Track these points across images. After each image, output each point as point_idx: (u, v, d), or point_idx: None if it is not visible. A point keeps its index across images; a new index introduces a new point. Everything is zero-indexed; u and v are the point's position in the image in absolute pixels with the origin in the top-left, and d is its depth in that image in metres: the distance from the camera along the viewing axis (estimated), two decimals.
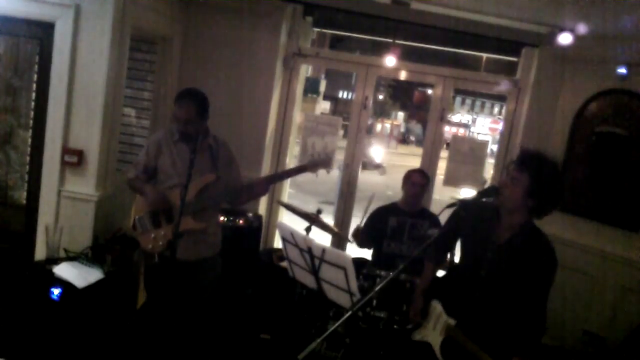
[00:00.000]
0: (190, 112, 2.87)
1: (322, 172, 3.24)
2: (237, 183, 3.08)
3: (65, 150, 3.48)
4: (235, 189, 3.04)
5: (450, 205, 2.46)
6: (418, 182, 3.84)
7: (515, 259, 2.29)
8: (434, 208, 4.35)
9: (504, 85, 4.64)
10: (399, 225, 3.83)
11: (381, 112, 31.84)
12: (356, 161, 4.95)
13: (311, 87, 24.00)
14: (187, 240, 2.82)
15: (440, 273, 2.93)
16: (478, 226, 2.43)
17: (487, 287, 2.35)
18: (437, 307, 2.52)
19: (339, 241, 4.72)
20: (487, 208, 2.42)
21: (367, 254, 4.06)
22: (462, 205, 2.43)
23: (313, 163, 3.19)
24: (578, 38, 3.94)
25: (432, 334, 2.48)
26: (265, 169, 4.83)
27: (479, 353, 2.19)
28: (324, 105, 28.98)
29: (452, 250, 2.82)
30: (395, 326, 3.21)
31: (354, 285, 2.32)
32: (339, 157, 5.01)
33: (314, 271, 2.49)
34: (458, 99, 36.02)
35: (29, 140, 3.64)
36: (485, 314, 2.35)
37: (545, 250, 2.29)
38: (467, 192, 5.99)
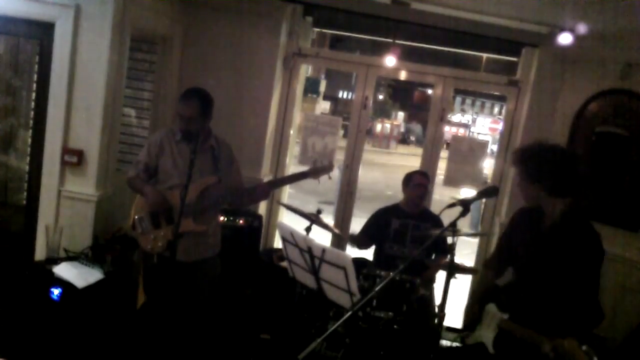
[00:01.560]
0: (194, 110, 2.87)
1: (328, 179, 3.25)
2: (238, 184, 3.08)
3: (65, 150, 3.48)
4: (236, 190, 3.03)
5: (450, 205, 2.47)
6: (420, 183, 3.84)
7: (559, 246, 2.31)
8: (434, 208, 4.35)
9: None
10: (402, 228, 3.83)
11: (381, 112, 31.81)
12: (356, 161, 4.94)
13: (311, 87, 24.00)
14: (186, 242, 2.82)
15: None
16: (527, 226, 2.50)
17: (538, 279, 2.39)
18: (491, 308, 2.54)
19: (339, 241, 4.72)
20: (534, 208, 2.48)
21: (367, 254, 4.06)
22: (517, 211, 2.56)
23: (315, 170, 3.19)
24: (578, 38, 3.94)
25: (486, 333, 2.49)
26: (265, 169, 4.83)
27: (531, 336, 2.21)
28: (324, 105, 28.97)
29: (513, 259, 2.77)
30: (395, 326, 3.21)
31: (354, 285, 2.31)
32: (339, 157, 5.01)
33: (314, 271, 2.49)
34: (458, 99, 35.99)
35: (29, 140, 3.64)
36: (538, 306, 2.37)
37: (587, 237, 2.30)
38: (467, 192, 5.99)
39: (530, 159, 2.36)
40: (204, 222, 2.96)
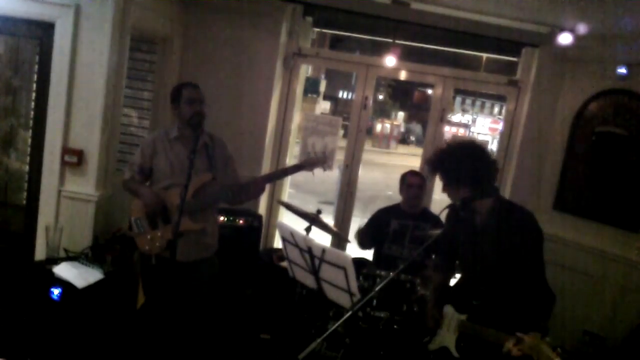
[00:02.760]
0: (200, 93, 2.92)
1: (322, 172, 3.24)
2: (235, 181, 3.07)
3: (65, 150, 3.48)
4: (232, 187, 3.03)
5: (450, 206, 2.47)
6: (414, 183, 3.83)
7: (496, 237, 2.30)
8: (434, 208, 4.35)
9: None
10: (401, 229, 3.82)
11: (381, 112, 31.80)
12: (356, 161, 4.94)
13: (311, 87, 23.98)
14: (184, 241, 2.82)
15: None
16: (462, 225, 2.48)
17: (485, 276, 2.37)
18: (449, 310, 2.52)
19: (339, 241, 4.72)
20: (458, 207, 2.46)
21: (367, 254, 4.06)
22: (451, 208, 2.50)
23: (310, 162, 3.18)
24: (578, 38, 3.94)
25: (447, 336, 2.47)
26: (266, 169, 4.83)
27: (494, 334, 2.19)
28: (324, 105, 28.94)
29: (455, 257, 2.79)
30: (395, 326, 3.21)
31: (354, 285, 2.32)
32: (339, 157, 5.01)
33: (314, 271, 2.49)
34: (458, 99, 35.98)
35: (29, 140, 3.64)
36: (492, 302, 2.35)
37: (521, 220, 2.30)
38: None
39: (446, 163, 2.34)
40: (202, 220, 2.96)
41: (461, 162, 2.31)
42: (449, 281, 2.78)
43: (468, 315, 2.40)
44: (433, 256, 3.98)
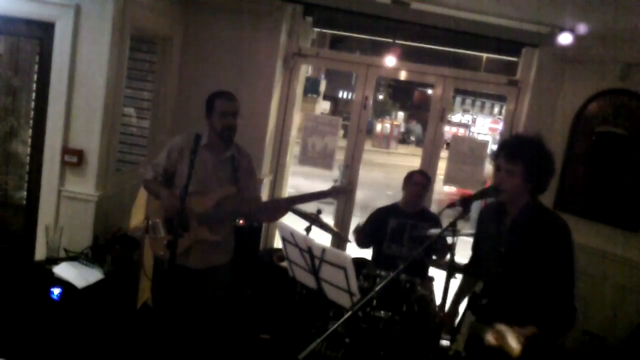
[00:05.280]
0: (238, 105, 2.92)
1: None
2: (255, 196, 3.06)
3: (65, 150, 3.48)
4: (254, 204, 2.99)
5: (450, 206, 2.46)
6: (419, 182, 3.84)
7: (524, 239, 2.22)
8: (434, 208, 4.35)
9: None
10: (399, 227, 3.83)
11: (381, 112, 31.81)
12: (356, 161, 4.94)
13: (311, 87, 23.99)
14: (199, 249, 2.80)
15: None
16: (489, 226, 2.45)
17: (505, 279, 2.30)
18: (469, 316, 2.50)
19: (339, 241, 4.72)
20: (495, 206, 2.43)
21: (367, 254, 4.06)
22: (482, 210, 2.48)
23: (335, 189, 3.12)
24: (578, 38, 3.94)
25: (460, 339, 2.47)
26: (266, 169, 4.83)
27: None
28: (324, 105, 28.97)
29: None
30: (395, 326, 3.21)
31: (354, 285, 2.31)
32: (339, 157, 5.01)
33: (314, 271, 2.49)
34: (458, 99, 35.99)
35: (29, 140, 3.64)
36: (509, 308, 2.27)
37: (555, 226, 2.20)
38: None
39: (535, 153, 2.22)
40: (219, 232, 2.92)
41: (545, 159, 2.23)
42: (475, 285, 2.70)
43: (477, 316, 2.39)
44: (433, 256, 3.98)
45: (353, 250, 4.11)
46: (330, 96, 32.23)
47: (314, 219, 3.44)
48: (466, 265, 2.76)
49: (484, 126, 33.54)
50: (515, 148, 2.25)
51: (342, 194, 3.17)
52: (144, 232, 3.00)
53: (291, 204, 3.08)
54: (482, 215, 2.58)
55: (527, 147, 2.25)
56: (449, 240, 2.88)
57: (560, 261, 2.14)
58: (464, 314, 2.56)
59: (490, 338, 2.00)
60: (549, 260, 2.14)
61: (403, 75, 4.99)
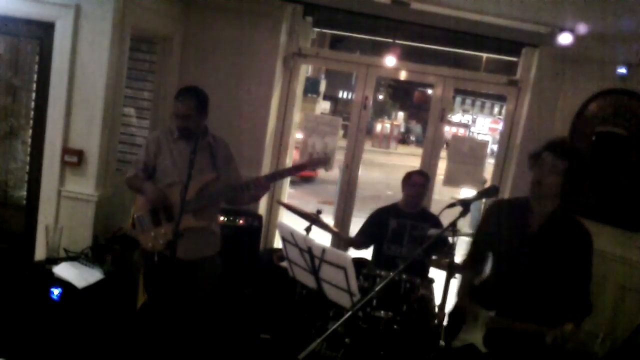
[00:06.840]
0: (189, 107, 2.89)
1: (322, 172, 3.26)
2: (237, 181, 3.09)
3: (65, 150, 3.48)
4: (234, 186, 3.04)
5: (450, 206, 2.46)
6: (418, 182, 3.84)
7: (551, 245, 2.36)
8: (434, 208, 4.35)
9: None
10: (399, 228, 3.83)
11: (381, 112, 31.83)
12: (356, 161, 4.94)
13: (311, 87, 23.96)
14: (187, 240, 2.82)
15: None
16: (510, 223, 2.48)
17: (529, 278, 2.39)
18: (474, 307, 2.51)
19: (339, 241, 4.72)
20: (516, 204, 2.50)
21: (367, 254, 4.06)
22: (494, 205, 2.57)
23: (312, 161, 3.21)
24: (578, 38, 3.94)
25: (473, 333, 2.47)
26: (266, 169, 4.83)
27: (525, 327, 2.28)
28: (324, 105, 28.95)
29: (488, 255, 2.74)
30: (395, 326, 3.21)
31: (354, 285, 2.31)
32: (339, 157, 5.01)
33: (314, 271, 2.49)
34: (458, 99, 35.99)
35: (29, 141, 3.64)
36: (530, 306, 2.38)
37: (580, 233, 2.41)
38: (467, 192, 5.99)
39: (580, 159, 2.36)
40: (204, 218, 2.97)
41: (585, 164, 2.39)
42: (478, 278, 2.73)
43: (497, 311, 2.41)
44: (433, 256, 3.98)
45: (353, 250, 4.11)
46: (330, 96, 32.22)
47: (314, 219, 3.44)
48: (466, 260, 2.76)
49: (484, 126, 33.58)
50: (564, 146, 2.40)
51: (321, 164, 3.18)
52: (131, 226, 3.02)
53: (271, 180, 3.14)
54: (494, 210, 2.62)
55: (574, 149, 2.42)
56: (449, 240, 2.88)
57: (584, 266, 2.41)
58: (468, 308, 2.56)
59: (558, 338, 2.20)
60: (574, 265, 2.38)
61: (403, 75, 4.99)
